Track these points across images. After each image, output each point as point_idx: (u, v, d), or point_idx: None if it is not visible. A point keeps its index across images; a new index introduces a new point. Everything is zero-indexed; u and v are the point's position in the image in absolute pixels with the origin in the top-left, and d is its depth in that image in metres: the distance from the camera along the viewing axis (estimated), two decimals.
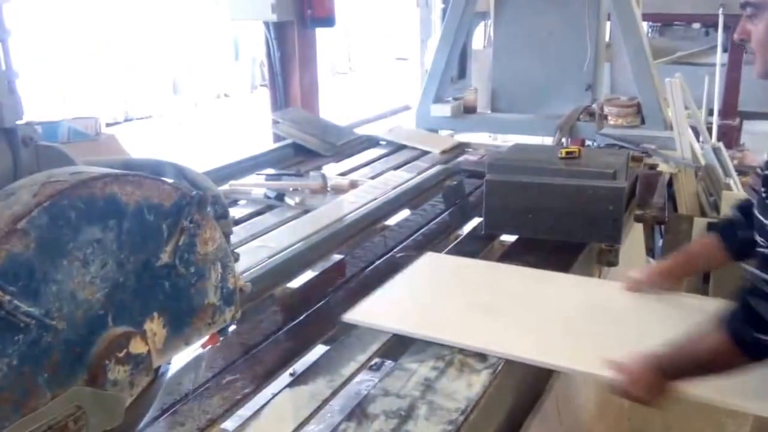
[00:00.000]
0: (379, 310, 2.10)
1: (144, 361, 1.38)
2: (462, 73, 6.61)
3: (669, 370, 1.62)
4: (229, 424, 1.62)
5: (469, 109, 5.61)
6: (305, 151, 4.06)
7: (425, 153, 4.11)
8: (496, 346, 1.88)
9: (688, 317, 1.79)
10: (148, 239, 1.39)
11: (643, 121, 4.98)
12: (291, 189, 3.25)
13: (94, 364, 1.30)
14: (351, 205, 3.01)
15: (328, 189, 3.28)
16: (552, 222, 2.71)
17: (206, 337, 1.60)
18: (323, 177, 3.33)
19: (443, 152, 4.10)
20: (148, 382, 1.42)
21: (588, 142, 5.26)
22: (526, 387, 2.01)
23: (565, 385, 2.29)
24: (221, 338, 1.71)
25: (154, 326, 1.42)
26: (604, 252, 2.86)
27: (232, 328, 1.68)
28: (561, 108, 5.30)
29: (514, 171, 2.82)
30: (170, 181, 1.52)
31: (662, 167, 4.19)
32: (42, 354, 1.21)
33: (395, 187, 3.27)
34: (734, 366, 1.54)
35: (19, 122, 1.40)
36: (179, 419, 1.63)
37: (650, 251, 4.34)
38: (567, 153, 2.95)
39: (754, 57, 1.60)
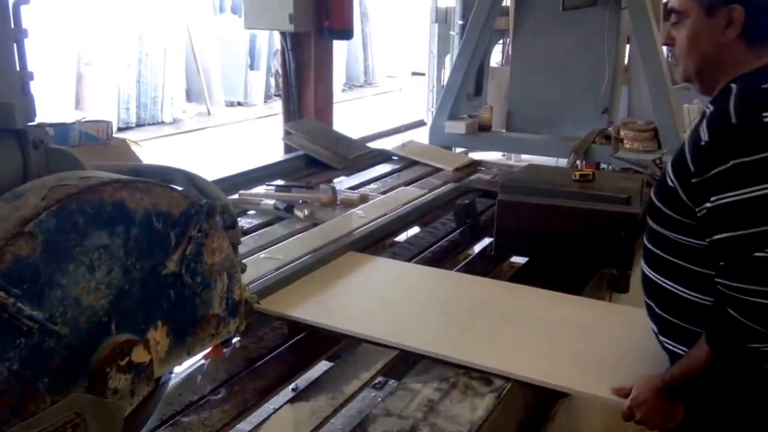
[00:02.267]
0: (290, 302, 2.21)
1: (146, 370, 1.38)
2: (478, 90, 6.62)
3: (671, 392, 1.63)
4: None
5: (484, 127, 5.60)
6: (316, 163, 4.07)
7: (438, 170, 4.11)
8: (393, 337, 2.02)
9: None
10: (155, 247, 1.40)
11: (659, 146, 4.96)
12: (300, 201, 3.25)
13: (96, 372, 1.30)
14: (360, 219, 3.01)
15: (338, 202, 3.28)
16: (563, 245, 2.70)
17: (209, 349, 1.60)
18: (333, 190, 3.33)
19: (456, 170, 4.09)
20: (149, 392, 1.41)
21: (603, 166, 5.25)
22: (531, 412, 1.99)
23: (570, 410, 2.28)
24: (225, 350, 1.71)
25: (158, 335, 1.42)
26: (615, 277, 2.85)
27: (236, 340, 1.68)
28: (577, 130, 5.29)
29: (526, 192, 2.82)
30: (180, 189, 1.53)
31: None
32: (43, 359, 1.21)
33: (405, 204, 3.27)
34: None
35: (30, 124, 1.40)
36: None
37: None
38: (581, 176, 2.95)
39: (676, 62, 1.67)
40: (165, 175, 1.65)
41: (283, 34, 5.02)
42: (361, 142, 4.47)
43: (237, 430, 1.66)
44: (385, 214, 3.11)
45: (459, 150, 5.88)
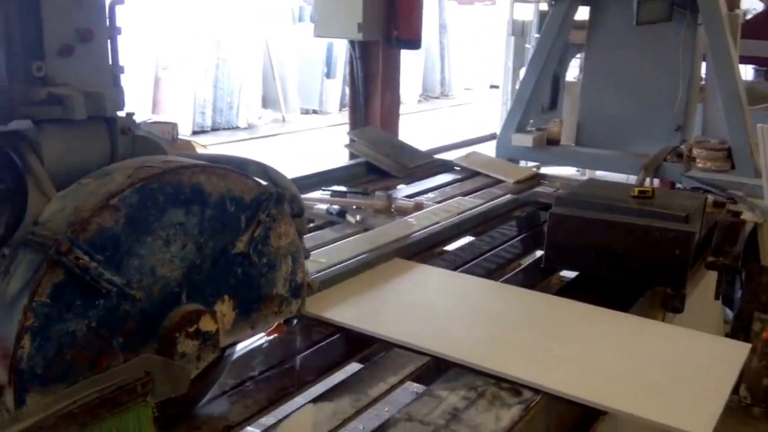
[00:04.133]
0: (326, 304, 2.21)
1: (212, 338, 1.51)
2: (553, 104, 6.53)
3: None
4: (249, 429, 1.64)
5: (553, 141, 5.53)
6: (377, 171, 4.09)
7: (499, 181, 4.07)
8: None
9: None
10: (226, 228, 1.54)
11: (733, 167, 4.80)
12: (354, 207, 3.27)
13: (166, 336, 1.44)
14: (410, 227, 3.01)
15: (393, 210, 3.29)
16: (614, 261, 2.64)
17: (273, 326, 1.75)
18: (389, 197, 3.34)
19: (517, 182, 4.05)
20: (214, 360, 1.53)
21: (678, 185, 5.10)
22: (564, 428, 1.95)
23: (612, 428, 2.22)
24: (287, 329, 1.85)
25: (224, 308, 1.56)
26: (670, 297, 2.76)
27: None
28: (648, 147, 5.16)
29: (581, 206, 2.77)
30: (253, 177, 1.64)
31: (746, 215, 4.02)
32: (119, 320, 1.36)
33: (460, 213, 3.25)
34: None
35: (120, 113, 1.57)
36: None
37: (727, 301, 4.17)
38: (640, 192, 2.89)
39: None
40: (241, 165, 1.75)
41: (351, 42, 5.09)
42: (423, 152, 4.47)
43: (260, 424, 1.68)
44: (437, 223, 3.10)
45: (530, 164, 5.83)
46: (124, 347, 1.38)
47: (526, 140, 5.33)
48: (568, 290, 2.60)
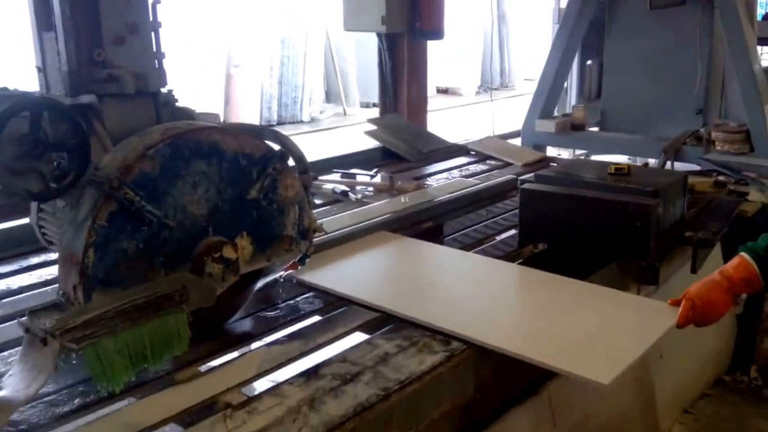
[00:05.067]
0: (314, 271, 2.47)
1: (233, 264, 1.91)
2: (599, 92, 6.55)
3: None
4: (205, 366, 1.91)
5: (577, 127, 5.65)
6: (393, 156, 4.31)
7: (508, 164, 4.24)
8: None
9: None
10: (240, 178, 1.92)
11: (752, 149, 4.83)
12: (357, 187, 3.52)
13: (196, 259, 1.84)
14: (403, 204, 3.23)
15: (394, 190, 3.52)
16: (581, 234, 2.79)
17: (287, 263, 2.18)
18: (390, 178, 3.58)
19: (525, 165, 4.21)
20: (240, 283, 1.96)
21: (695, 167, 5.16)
22: (499, 380, 2.14)
23: (564, 392, 2.38)
24: (300, 267, 2.26)
25: (243, 242, 1.96)
26: (643, 269, 2.88)
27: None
28: (670, 131, 5.25)
29: (555, 182, 2.94)
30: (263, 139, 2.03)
31: (753, 195, 4.07)
32: (160, 243, 1.77)
33: (454, 192, 3.45)
34: None
35: (162, 90, 1.98)
36: None
37: None
38: (616, 169, 3.03)
39: None
40: (258, 131, 2.13)
41: (379, 35, 5.31)
42: (439, 138, 4.68)
43: (225, 358, 1.96)
44: (430, 200, 3.31)
45: (555, 150, 5.95)
46: (164, 265, 1.78)
47: (549, 126, 5.48)
48: (535, 261, 2.77)
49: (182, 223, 1.80)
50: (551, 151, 5.81)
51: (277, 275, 2.29)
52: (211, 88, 11.19)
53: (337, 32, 13.34)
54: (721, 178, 4.10)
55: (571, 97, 6.92)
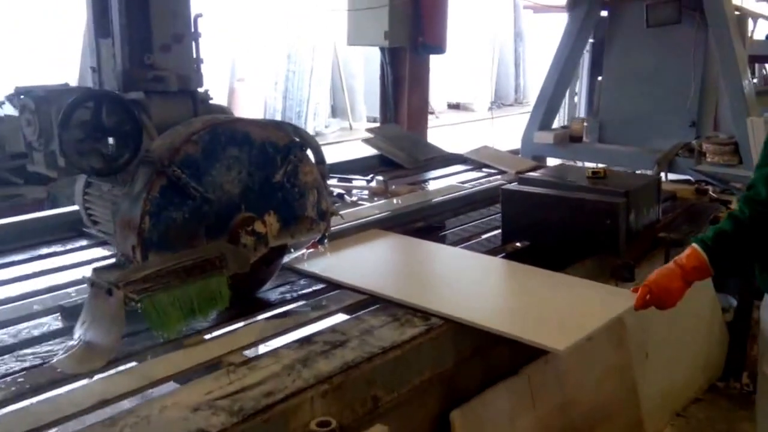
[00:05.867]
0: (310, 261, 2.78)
1: (263, 237, 2.29)
2: None
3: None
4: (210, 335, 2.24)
5: (575, 138, 5.98)
6: (390, 163, 4.64)
7: (502, 172, 4.57)
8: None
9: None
10: (267, 163, 2.29)
11: (741, 161, 5.15)
12: (354, 190, 3.86)
13: (232, 231, 2.21)
14: (395, 205, 3.57)
15: (388, 193, 3.85)
16: (558, 232, 3.08)
17: (309, 242, 2.56)
18: (385, 182, 3.91)
19: (518, 173, 4.52)
20: (269, 256, 2.36)
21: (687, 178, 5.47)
22: (477, 356, 2.43)
23: (543, 376, 2.68)
24: (320, 246, 2.63)
25: (271, 219, 2.33)
26: (619, 267, 3.18)
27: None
28: (665, 143, 5.57)
29: (535, 184, 3.25)
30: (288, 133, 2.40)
31: (735, 204, 4.37)
32: (202, 215, 2.15)
33: (442, 196, 3.79)
34: None
35: (199, 89, 2.37)
36: None
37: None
38: (593, 173, 3.34)
39: None
40: (280, 124, 2.49)
41: (381, 49, 5.68)
42: (436, 146, 5.01)
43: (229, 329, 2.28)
44: (422, 202, 3.65)
45: (554, 160, 6.27)
46: (206, 235, 2.16)
47: (547, 137, 5.81)
48: (516, 256, 3.08)
49: (219, 199, 2.17)
50: (550, 163, 6.13)
51: (299, 252, 2.69)
52: (214, 101, 11.62)
53: (345, 48, 13.77)
54: (705, 186, 4.42)
55: (580, 112, 7.30)
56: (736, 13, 5.56)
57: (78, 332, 2.03)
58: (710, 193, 4.22)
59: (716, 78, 5.61)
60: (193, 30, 2.34)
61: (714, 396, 3.99)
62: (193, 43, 2.35)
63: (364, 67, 14.01)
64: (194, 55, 2.35)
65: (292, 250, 2.60)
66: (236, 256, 2.17)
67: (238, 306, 2.32)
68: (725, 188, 4.70)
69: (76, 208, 2.62)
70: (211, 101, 2.45)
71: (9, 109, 5.68)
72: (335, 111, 14.19)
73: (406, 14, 5.48)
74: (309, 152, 2.47)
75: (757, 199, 2.31)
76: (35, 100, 2.10)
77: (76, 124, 2.04)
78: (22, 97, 2.14)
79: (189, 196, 2.09)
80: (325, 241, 2.59)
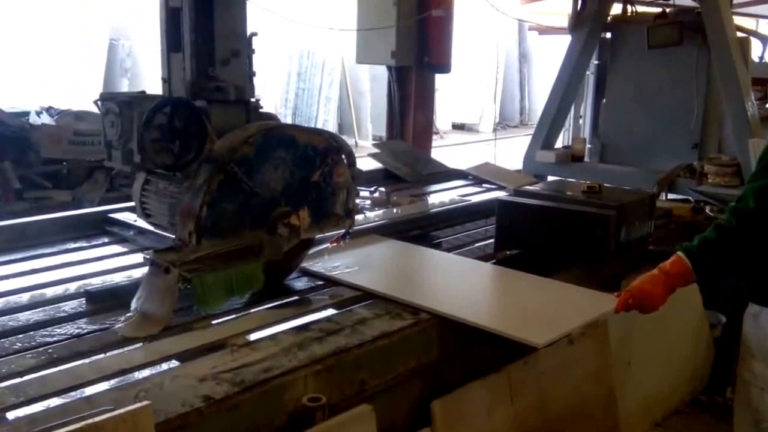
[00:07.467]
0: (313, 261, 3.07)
1: (296, 229, 2.65)
2: None
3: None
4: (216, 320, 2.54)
5: (577, 158, 6.26)
6: (393, 177, 4.94)
7: (502, 187, 4.85)
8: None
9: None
10: (307, 164, 2.65)
11: (742, 182, 5.39)
12: (356, 200, 4.14)
13: (272, 222, 2.57)
14: (395, 214, 3.86)
15: (389, 204, 4.14)
16: (550, 241, 3.35)
17: (335, 236, 2.95)
18: (387, 194, 4.20)
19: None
20: (297, 248, 2.74)
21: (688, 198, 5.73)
22: (462, 349, 2.70)
23: (522, 374, 2.93)
24: (342, 242, 3.02)
25: (304, 214, 2.68)
26: (608, 278, 3.42)
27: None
28: (667, 163, 5.83)
29: (529, 196, 3.53)
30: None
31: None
32: (249, 207, 2.51)
33: (440, 206, 4.08)
34: None
35: (252, 99, 2.70)
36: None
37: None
38: (589, 187, 3.61)
39: None
40: (321, 132, 2.81)
41: (389, 67, 6.01)
42: (438, 162, 5.31)
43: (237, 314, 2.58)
44: (421, 212, 3.93)
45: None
46: (250, 224, 2.51)
47: (549, 156, 6.09)
48: (507, 263, 3.34)
49: (265, 194, 2.52)
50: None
51: (323, 246, 3.06)
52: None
53: (353, 67, 14.16)
54: (703, 205, 4.68)
55: (585, 133, 7.58)
56: (739, 34, 5.83)
57: (135, 304, 2.44)
58: (707, 211, 4.48)
59: (719, 99, 5.85)
60: (248, 47, 2.70)
61: (696, 409, 4.16)
62: (248, 59, 2.70)
63: (372, 86, 14.37)
64: (248, 69, 2.70)
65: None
66: (271, 245, 2.56)
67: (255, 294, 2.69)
68: (723, 208, 4.94)
69: (99, 209, 3.01)
70: (261, 110, 2.81)
71: (46, 118, 6.14)
72: (342, 128, 14.55)
73: (413, 34, 5.81)
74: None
75: (745, 210, 2.50)
76: (119, 105, 2.48)
77: (154, 126, 2.41)
78: (105, 102, 2.53)
79: (241, 190, 2.45)
80: (348, 236, 2.96)
